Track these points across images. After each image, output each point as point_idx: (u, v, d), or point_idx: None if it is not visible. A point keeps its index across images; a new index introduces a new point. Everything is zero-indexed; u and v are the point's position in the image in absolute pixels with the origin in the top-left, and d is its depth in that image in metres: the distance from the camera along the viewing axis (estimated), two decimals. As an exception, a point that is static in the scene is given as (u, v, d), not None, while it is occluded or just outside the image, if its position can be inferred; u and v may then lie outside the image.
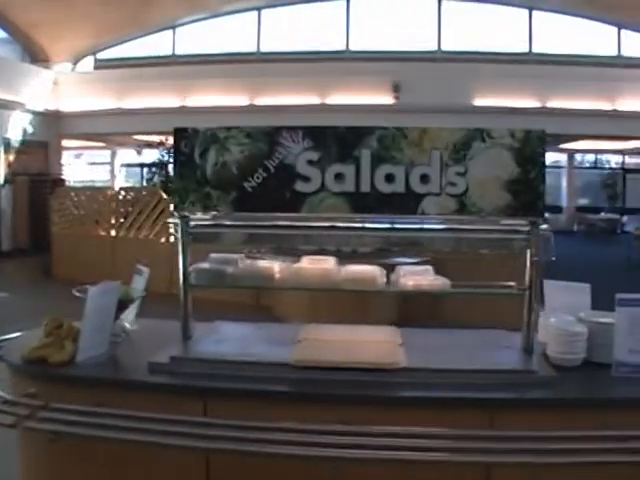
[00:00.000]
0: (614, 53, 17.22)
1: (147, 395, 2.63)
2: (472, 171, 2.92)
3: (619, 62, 16.91)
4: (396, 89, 15.68)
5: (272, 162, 2.95)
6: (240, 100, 16.40)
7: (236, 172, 2.95)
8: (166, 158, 17.68)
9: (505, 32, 17.39)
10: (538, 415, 2.57)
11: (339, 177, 2.93)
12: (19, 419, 2.41)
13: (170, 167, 17.60)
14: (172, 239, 3.03)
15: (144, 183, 23.04)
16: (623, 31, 17.06)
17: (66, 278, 11.37)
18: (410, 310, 7.93)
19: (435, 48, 17.43)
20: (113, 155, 23.63)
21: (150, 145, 17.94)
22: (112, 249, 11.10)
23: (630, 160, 23.59)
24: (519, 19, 17.44)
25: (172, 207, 3.07)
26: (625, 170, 23.52)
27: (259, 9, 17.98)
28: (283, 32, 18.00)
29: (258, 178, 2.96)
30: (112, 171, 23.99)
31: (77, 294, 3.30)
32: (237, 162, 2.96)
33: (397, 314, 7.95)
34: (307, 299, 7.78)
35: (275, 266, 2.98)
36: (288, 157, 2.95)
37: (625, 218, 21.64)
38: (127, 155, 23.82)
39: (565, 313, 3.08)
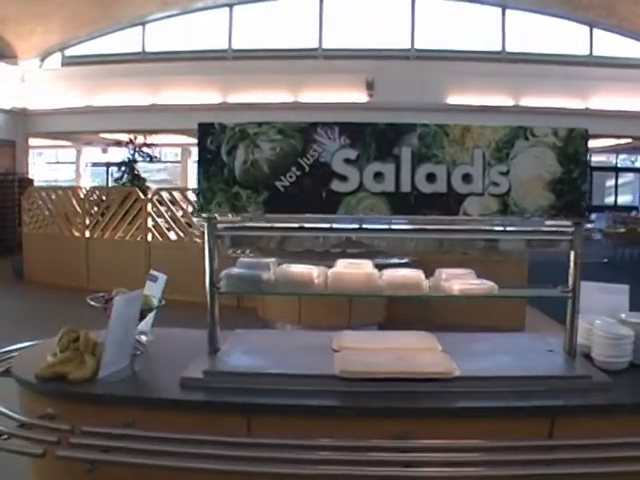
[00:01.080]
0: (586, 52, 17.34)
1: (182, 414, 2.42)
2: (515, 170, 2.81)
3: (591, 61, 17.05)
4: (370, 87, 15.59)
5: (306, 160, 2.78)
6: (213, 97, 16.12)
7: (267, 171, 2.77)
8: (135, 157, 17.38)
9: (478, 31, 17.38)
10: (598, 422, 2.46)
11: (378, 176, 2.78)
12: (49, 447, 2.15)
13: (138, 165, 17.30)
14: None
15: (110, 182, 22.69)
16: (595, 30, 17.18)
17: (39, 280, 11.07)
18: (395, 312, 7.85)
19: (409, 46, 17.34)
20: (78, 154, 23.10)
21: (119, 143, 17.56)
22: (87, 250, 10.80)
23: (596, 158, 23.88)
24: (492, 18, 17.44)
25: (196, 208, 2.86)
26: (592, 168, 23.78)
27: (231, 6, 17.71)
28: (255, 29, 17.74)
29: (291, 177, 2.78)
30: (77, 170, 23.45)
31: (92, 303, 3.08)
32: (268, 160, 2.77)
33: (384, 316, 7.85)
34: (292, 301, 7.61)
35: (313, 271, 2.80)
36: (323, 155, 2.77)
37: (594, 216, 21.88)
38: (92, 154, 23.33)
39: (603, 315, 2.99)
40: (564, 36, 17.26)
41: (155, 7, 17.33)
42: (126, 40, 18.13)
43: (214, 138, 2.81)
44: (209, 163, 2.80)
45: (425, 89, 15.31)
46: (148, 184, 15.96)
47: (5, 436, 2.27)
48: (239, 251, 8.46)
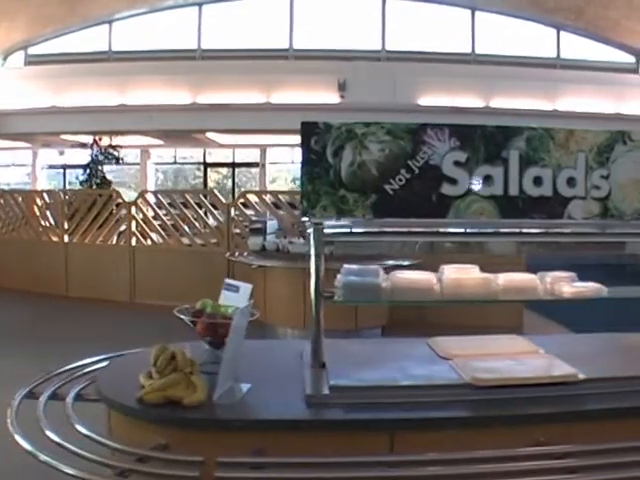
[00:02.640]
0: (554, 55, 17.66)
1: (315, 434, 2.28)
2: (614, 174, 2.82)
3: (558, 63, 17.37)
4: (342, 88, 15.56)
5: (416, 162, 2.69)
6: (182, 98, 15.85)
7: (376, 173, 2.67)
8: (100, 158, 17.02)
9: (448, 32, 17.53)
10: None
11: (487, 179, 2.72)
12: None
13: (105, 167, 16.92)
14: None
15: (67, 185, 22.14)
16: (563, 33, 17.51)
17: (13, 288, 10.64)
18: (396, 315, 7.83)
19: (379, 47, 17.36)
20: (34, 156, 22.46)
21: (84, 145, 17.14)
22: (65, 256, 10.44)
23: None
24: (462, 20, 17.61)
25: (302, 212, 2.73)
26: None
27: (200, 4, 17.44)
28: (225, 29, 17.52)
29: (401, 180, 2.68)
30: (33, 173, 22.78)
31: (180, 315, 2.89)
32: (377, 162, 2.67)
33: (387, 319, 7.80)
34: (297, 304, 7.51)
35: (432, 277, 2.71)
36: (433, 157, 2.69)
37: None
38: (48, 156, 22.71)
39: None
40: (532, 39, 17.52)
41: (123, 5, 16.96)
42: (92, 39, 17.66)
43: (319, 138, 2.67)
44: (313, 164, 2.67)
45: (396, 90, 15.36)
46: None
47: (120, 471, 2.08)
48: (237, 253, 8.41)
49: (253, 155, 22.58)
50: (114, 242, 10.26)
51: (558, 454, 2.17)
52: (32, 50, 17.89)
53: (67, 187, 20.77)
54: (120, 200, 10.11)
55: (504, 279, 2.72)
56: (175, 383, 2.38)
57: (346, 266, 2.78)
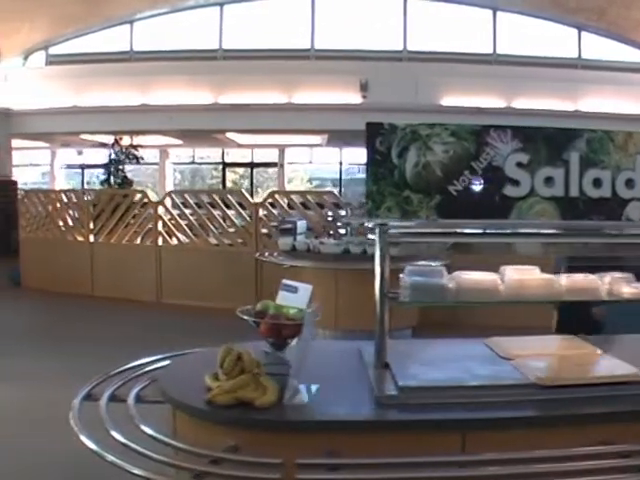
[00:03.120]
0: (575, 55, 17.60)
1: (386, 434, 2.29)
2: (669, 176, 2.84)
3: (580, 64, 17.32)
4: (364, 88, 15.55)
5: (479, 164, 2.70)
6: (203, 98, 15.89)
7: (440, 174, 2.68)
8: (121, 158, 17.09)
9: (470, 33, 17.51)
10: None
11: (549, 181, 2.73)
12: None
13: (126, 167, 16.99)
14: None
15: (85, 185, 22.26)
16: (584, 33, 17.45)
17: (39, 287, 10.73)
18: (426, 315, 7.86)
19: (401, 48, 17.37)
20: (53, 156, 22.61)
21: (105, 145, 17.22)
22: (91, 255, 10.51)
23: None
24: (483, 20, 17.60)
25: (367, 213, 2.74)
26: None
27: (221, 4, 17.49)
28: (246, 29, 17.56)
29: (464, 181, 2.70)
30: (51, 172, 22.94)
31: (245, 317, 2.90)
32: (441, 163, 2.68)
33: (417, 319, 7.80)
34: (329, 305, 7.51)
35: (496, 278, 2.72)
36: (496, 159, 2.71)
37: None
38: (66, 156, 22.86)
39: None
40: (554, 39, 17.48)
41: (144, 5, 17.03)
42: (113, 38, 17.75)
43: (384, 139, 2.69)
44: (378, 165, 2.69)
45: (418, 90, 15.36)
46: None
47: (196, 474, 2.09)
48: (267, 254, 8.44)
49: (270, 155, 22.65)
50: (138, 242, 10.28)
51: (624, 453, 2.18)
52: (53, 50, 17.98)
53: (85, 187, 20.92)
54: (147, 200, 10.15)
55: (567, 280, 2.73)
56: (245, 384, 2.39)
57: (410, 267, 2.79)
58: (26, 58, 17.45)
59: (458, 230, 2.76)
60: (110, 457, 2.23)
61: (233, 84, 15.82)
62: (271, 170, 23.56)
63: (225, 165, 23.68)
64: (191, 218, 10.01)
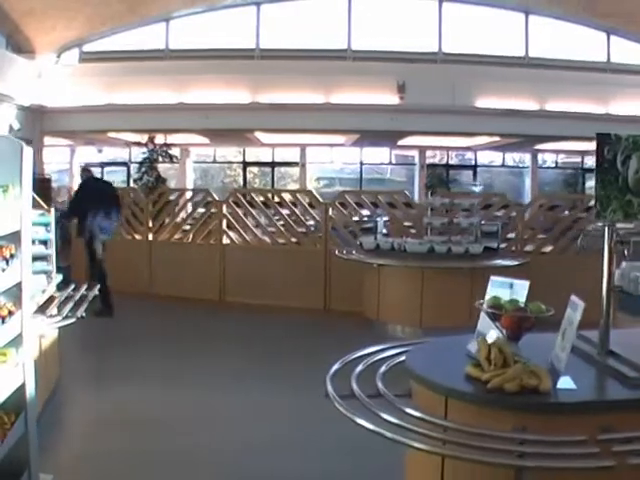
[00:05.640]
0: (604, 59, 17.89)
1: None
2: None
3: (609, 67, 17.60)
4: (401, 89, 15.71)
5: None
6: (240, 97, 16.01)
7: (658, 181, 2.88)
8: (155, 156, 17.15)
9: (502, 35, 17.76)
10: None
11: None
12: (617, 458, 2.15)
13: (159, 166, 17.08)
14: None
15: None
16: (613, 37, 17.73)
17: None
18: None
19: (436, 49, 17.59)
20: (72, 153, 22.61)
21: (138, 143, 17.30)
22: (150, 254, 10.52)
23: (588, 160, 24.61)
24: (516, 23, 17.86)
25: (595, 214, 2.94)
26: (584, 170, 24.46)
27: (258, 4, 17.61)
28: (283, 28, 17.72)
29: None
30: (70, 170, 22.93)
31: (481, 308, 3.08)
32: (659, 169, 2.89)
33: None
34: (413, 302, 7.70)
35: None
36: None
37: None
38: (86, 154, 22.87)
39: None
40: (584, 42, 17.76)
41: (181, 4, 17.09)
42: (148, 37, 17.83)
43: (610, 148, 2.90)
44: (605, 172, 2.89)
45: (454, 92, 15.52)
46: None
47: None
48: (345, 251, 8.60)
49: (290, 154, 22.84)
50: (198, 241, 10.31)
51: None
52: (86, 48, 17.98)
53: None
54: (210, 199, 10.26)
55: None
56: (522, 372, 2.59)
57: (624, 264, 2.98)
58: (59, 55, 17.45)
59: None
60: (390, 434, 2.46)
61: (270, 84, 15.93)
62: (283, 169, 23.83)
63: (246, 164, 23.81)
64: (258, 218, 10.14)
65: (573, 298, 2.74)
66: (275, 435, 4.82)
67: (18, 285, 3.43)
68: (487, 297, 3.22)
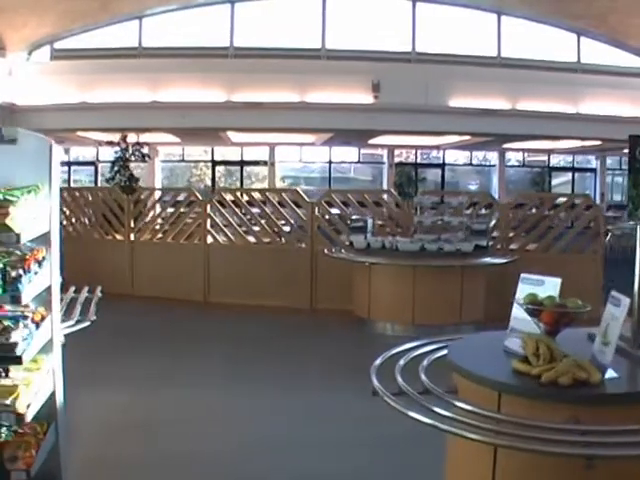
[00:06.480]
0: (574, 59, 18.24)
1: None
2: None
3: (579, 68, 17.95)
4: (376, 89, 15.80)
5: None
6: (214, 96, 15.92)
7: (683, 181, 2.99)
8: (128, 155, 16.94)
9: (475, 35, 17.97)
10: None
11: None
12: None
13: (131, 165, 16.89)
14: None
15: (72, 183, 22.03)
16: (583, 39, 18.08)
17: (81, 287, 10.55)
18: (491, 310, 8.08)
19: (409, 49, 17.71)
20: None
21: (111, 142, 17.07)
22: (131, 255, 10.38)
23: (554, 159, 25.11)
24: (489, 23, 18.10)
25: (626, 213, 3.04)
26: (550, 168, 24.94)
27: (232, 2, 17.52)
28: (257, 27, 17.66)
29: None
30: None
31: (525, 306, 3.13)
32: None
33: (483, 315, 8.03)
34: (406, 299, 7.78)
35: None
36: None
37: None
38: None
39: None
40: (555, 43, 18.08)
41: (155, 0, 16.93)
42: (121, 34, 17.62)
43: (641, 149, 2.99)
44: (637, 172, 2.98)
45: (427, 92, 15.66)
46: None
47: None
48: (335, 249, 8.65)
49: (258, 153, 22.85)
50: (181, 241, 10.22)
51: None
52: (58, 45, 17.70)
53: (72, 185, 20.68)
54: (193, 198, 10.17)
55: None
56: (572, 366, 2.66)
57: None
58: (30, 53, 17.14)
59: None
60: (444, 426, 2.48)
61: (244, 83, 15.87)
62: (249, 169, 23.86)
63: (215, 163, 23.72)
64: (243, 217, 10.12)
65: (614, 294, 2.83)
66: (275, 435, 4.79)
67: (48, 289, 3.38)
68: (518, 294, 3.29)
